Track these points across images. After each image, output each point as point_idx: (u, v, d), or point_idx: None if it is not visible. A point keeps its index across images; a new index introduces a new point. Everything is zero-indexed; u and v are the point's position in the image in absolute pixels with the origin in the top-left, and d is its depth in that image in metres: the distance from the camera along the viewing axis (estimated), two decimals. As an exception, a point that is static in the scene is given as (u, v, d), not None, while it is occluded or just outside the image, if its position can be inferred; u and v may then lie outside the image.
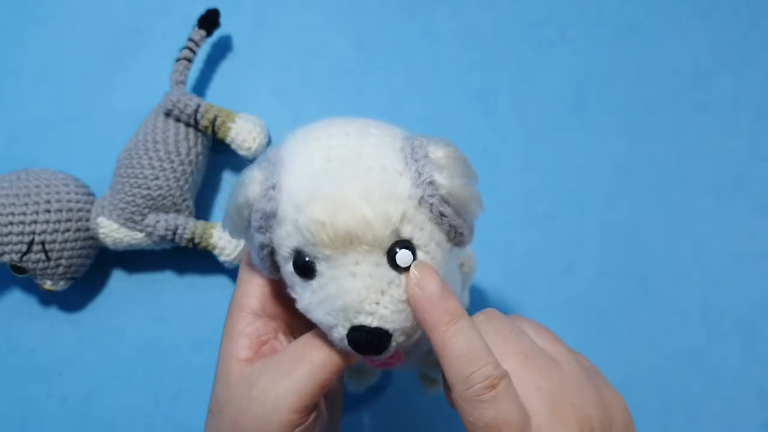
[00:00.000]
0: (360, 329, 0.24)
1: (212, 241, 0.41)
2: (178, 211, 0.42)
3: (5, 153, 0.47)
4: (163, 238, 0.41)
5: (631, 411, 0.29)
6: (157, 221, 0.41)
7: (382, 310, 0.24)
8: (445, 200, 0.24)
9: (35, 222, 0.39)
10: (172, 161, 0.41)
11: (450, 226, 0.25)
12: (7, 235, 0.39)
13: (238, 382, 0.27)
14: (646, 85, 0.47)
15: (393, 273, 0.24)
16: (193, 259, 0.44)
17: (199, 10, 0.45)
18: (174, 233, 0.41)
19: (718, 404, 0.43)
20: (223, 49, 0.48)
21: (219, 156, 0.45)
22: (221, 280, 0.45)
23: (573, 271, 0.45)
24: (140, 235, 0.41)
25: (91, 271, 0.44)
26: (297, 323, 0.30)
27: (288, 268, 0.25)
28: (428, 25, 0.48)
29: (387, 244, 0.24)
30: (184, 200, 0.42)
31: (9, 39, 0.48)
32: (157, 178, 0.40)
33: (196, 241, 0.41)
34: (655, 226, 0.45)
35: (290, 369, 0.27)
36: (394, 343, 0.25)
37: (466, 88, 0.47)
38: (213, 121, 0.42)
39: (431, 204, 0.24)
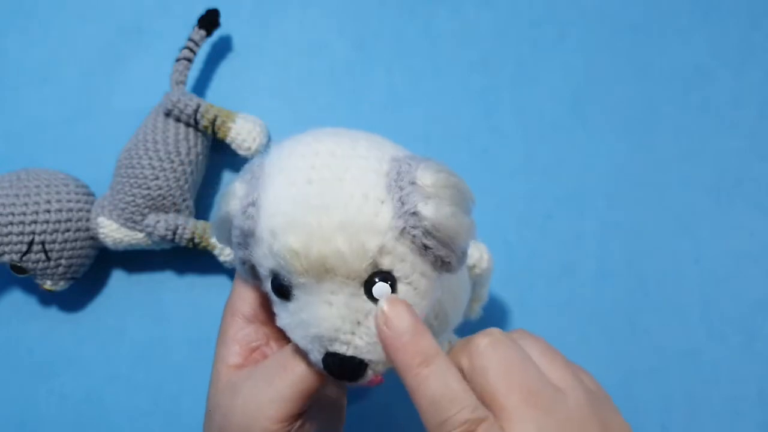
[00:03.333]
0: (334, 356, 0.23)
1: (212, 241, 0.41)
2: (178, 211, 0.42)
3: (5, 153, 0.47)
4: (163, 238, 0.41)
5: (631, 411, 0.29)
6: (157, 221, 0.41)
7: (358, 341, 0.23)
8: (428, 232, 0.23)
9: (35, 222, 0.39)
10: (172, 161, 0.41)
11: (435, 256, 0.24)
12: (7, 235, 0.39)
13: (225, 389, 0.28)
14: (646, 85, 0.47)
15: (370, 304, 0.23)
16: (193, 259, 0.44)
17: (199, 10, 0.45)
18: (174, 233, 0.41)
19: (718, 404, 0.43)
20: (223, 49, 0.48)
21: (219, 156, 0.45)
22: (221, 280, 0.45)
23: (573, 271, 0.45)
24: (140, 235, 0.41)
25: (91, 271, 0.44)
26: None
27: (267, 287, 0.25)
28: (428, 25, 0.48)
29: (364, 275, 0.23)
30: (184, 200, 0.42)
31: (9, 39, 0.48)
32: (157, 178, 0.40)
33: (196, 241, 0.41)
34: (655, 226, 0.45)
35: (273, 378, 0.26)
36: (370, 372, 0.24)
37: (466, 88, 0.47)
38: (213, 121, 0.42)
39: (413, 236, 0.23)
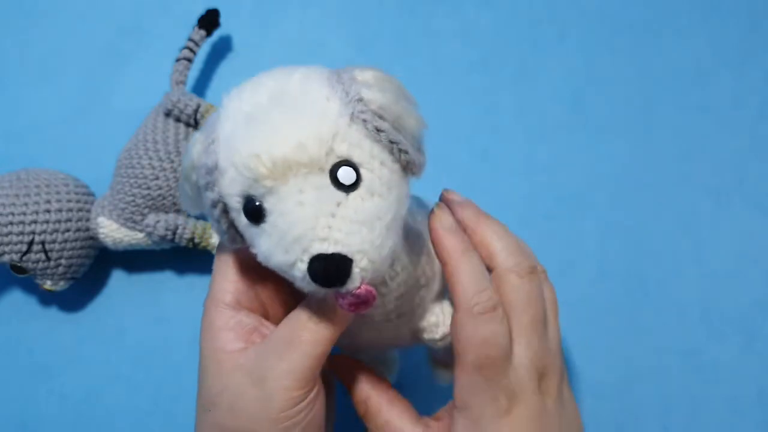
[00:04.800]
0: (318, 259, 0.23)
1: (212, 241, 0.41)
2: (178, 211, 0.42)
3: (5, 153, 0.47)
4: (163, 238, 0.41)
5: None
6: (157, 221, 0.41)
7: (336, 233, 0.23)
8: (377, 114, 0.24)
9: (35, 222, 0.39)
10: (172, 161, 0.41)
11: (390, 142, 0.24)
12: (7, 235, 0.39)
13: (233, 372, 0.28)
14: (646, 85, 0.47)
15: (340, 193, 0.24)
16: (193, 259, 0.44)
17: (199, 10, 0.45)
18: (174, 233, 0.41)
19: (718, 404, 0.43)
20: (223, 49, 0.48)
21: (219, 156, 0.45)
22: (221, 280, 0.45)
23: (573, 271, 0.45)
24: (140, 235, 0.41)
25: (91, 271, 0.44)
26: (273, 311, 0.30)
27: (242, 221, 0.25)
28: (428, 25, 0.48)
29: (327, 165, 0.24)
30: (184, 200, 0.42)
31: (9, 39, 0.48)
32: (157, 178, 0.40)
33: (196, 241, 0.41)
34: (655, 226, 0.45)
35: (282, 352, 0.27)
36: (356, 269, 0.23)
37: (466, 88, 0.47)
38: (213, 121, 0.42)
39: (364, 120, 0.24)
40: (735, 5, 0.48)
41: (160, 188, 0.40)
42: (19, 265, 0.40)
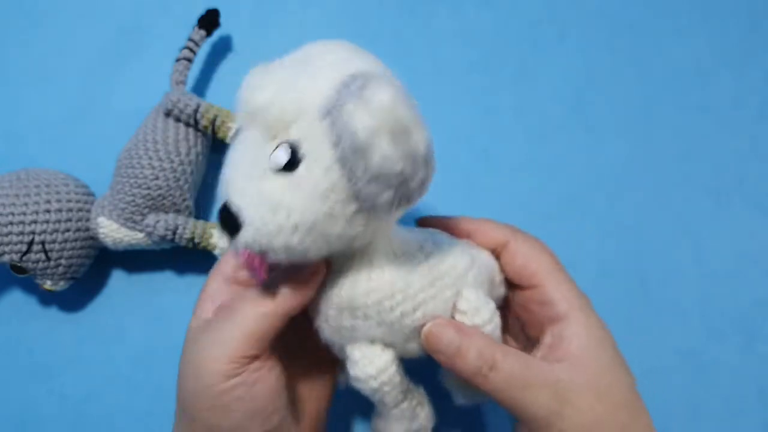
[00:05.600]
0: (224, 206, 0.26)
1: (212, 241, 0.41)
2: (178, 211, 0.42)
3: (5, 153, 0.47)
4: (163, 238, 0.41)
5: None
6: (157, 221, 0.41)
7: (241, 198, 0.25)
8: (353, 146, 0.23)
9: (35, 222, 0.39)
10: (172, 161, 0.41)
11: (342, 160, 0.24)
12: (7, 235, 0.39)
13: (187, 339, 0.29)
14: (646, 85, 0.47)
15: (267, 167, 0.25)
16: (193, 259, 0.44)
17: (199, 10, 0.45)
18: (174, 233, 0.41)
19: (718, 404, 0.43)
20: (223, 49, 0.48)
21: (219, 156, 0.45)
22: (221, 280, 0.45)
23: (573, 271, 0.44)
24: (140, 235, 0.41)
25: (91, 271, 0.44)
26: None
27: None
28: (428, 25, 0.48)
29: (278, 138, 0.25)
30: (184, 200, 0.42)
31: (9, 39, 0.48)
32: (157, 178, 0.40)
33: (196, 241, 0.41)
34: (655, 226, 0.45)
35: (221, 323, 0.28)
36: (245, 234, 0.25)
37: (466, 88, 0.47)
38: (213, 121, 0.42)
39: (334, 126, 0.24)
40: (735, 5, 0.48)
41: (160, 188, 0.40)
42: (19, 265, 0.40)
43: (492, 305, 0.31)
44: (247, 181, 0.25)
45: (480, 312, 0.30)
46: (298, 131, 0.25)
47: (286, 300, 0.28)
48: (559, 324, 0.30)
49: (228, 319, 0.28)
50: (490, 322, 0.30)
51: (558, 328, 0.30)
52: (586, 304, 0.31)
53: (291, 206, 0.25)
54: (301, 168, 0.25)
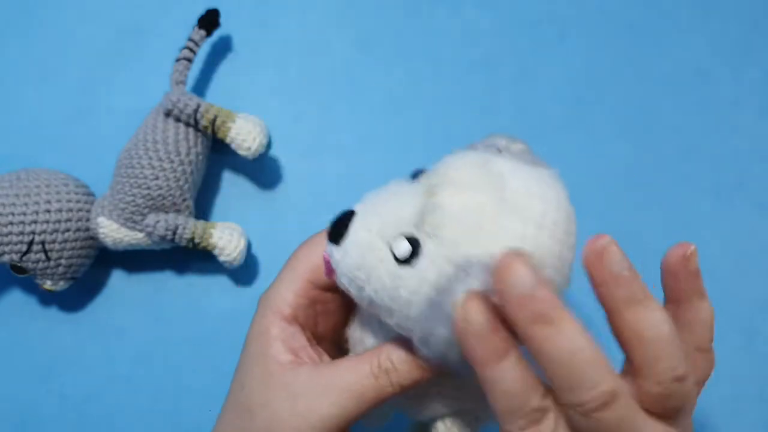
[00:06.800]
0: (350, 213, 0.26)
1: (212, 241, 0.41)
2: (178, 211, 0.42)
3: (5, 153, 0.47)
4: (163, 238, 0.41)
5: None
6: (157, 221, 0.41)
7: (363, 235, 0.26)
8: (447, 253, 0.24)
9: (35, 222, 0.39)
10: (172, 161, 0.41)
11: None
12: (7, 235, 0.39)
13: (278, 388, 0.28)
14: (646, 85, 0.47)
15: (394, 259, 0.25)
16: (193, 259, 0.44)
17: (199, 10, 0.45)
18: (174, 233, 0.41)
19: (718, 404, 0.43)
20: (223, 49, 0.48)
21: (219, 156, 0.45)
22: (221, 280, 0.45)
23: (573, 270, 0.45)
24: (140, 235, 0.41)
25: (91, 271, 0.44)
26: (323, 328, 0.31)
27: None
28: (428, 25, 0.48)
29: (435, 197, 0.25)
30: (184, 200, 0.42)
31: (9, 39, 0.48)
32: (157, 178, 0.40)
33: (196, 241, 0.41)
34: (655, 226, 0.45)
35: (335, 395, 0.27)
36: (337, 254, 0.26)
37: (466, 88, 0.47)
38: (213, 121, 0.42)
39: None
40: (735, 5, 0.48)
41: (160, 188, 0.40)
42: (19, 265, 0.40)
43: None
44: (378, 226, 0.25)
45: None
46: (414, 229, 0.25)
47: (401, 382, 0.28)
48: None
49: (345, 395, 0.27)
50: None
51: None
52: None
53: (395, 287, 0.25)
54: (422, 259, 0.25)
